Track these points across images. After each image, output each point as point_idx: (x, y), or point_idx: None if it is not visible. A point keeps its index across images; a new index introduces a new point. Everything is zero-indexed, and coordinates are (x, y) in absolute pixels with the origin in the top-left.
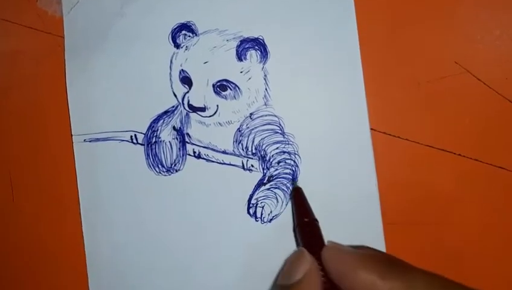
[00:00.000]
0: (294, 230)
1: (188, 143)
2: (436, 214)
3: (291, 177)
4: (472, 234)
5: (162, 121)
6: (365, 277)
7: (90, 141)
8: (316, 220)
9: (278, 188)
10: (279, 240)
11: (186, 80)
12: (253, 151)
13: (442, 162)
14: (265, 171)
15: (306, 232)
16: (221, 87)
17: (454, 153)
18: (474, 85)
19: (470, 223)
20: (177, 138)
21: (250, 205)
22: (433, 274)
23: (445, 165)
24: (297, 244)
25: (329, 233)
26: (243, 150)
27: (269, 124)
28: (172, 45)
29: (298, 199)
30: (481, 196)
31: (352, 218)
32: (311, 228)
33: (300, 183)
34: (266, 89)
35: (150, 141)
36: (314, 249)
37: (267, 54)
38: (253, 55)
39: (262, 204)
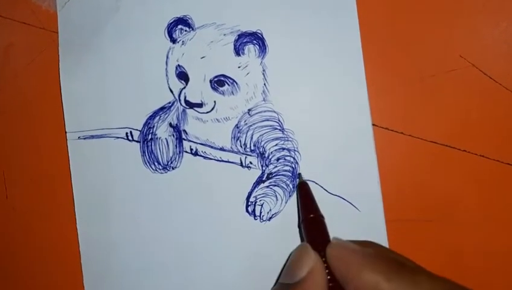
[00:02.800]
0: (299, 226)
1: (185, 140)
2: (440, 211)
3: (290, 174)
4: (476, 232)
5: (158, 117)
6: (370, 277)
7: (84, 138)
8: (322, 216)
9: (278, 185)
10: (279, 238)
11: (183, 76)
12: (252, 148)
13: (446, 158)
14: (264, 168)
15: (311, 229)
16: (218, 82)
17: (459, 149)
18: (480, 79)
19: (474, 221)
20: (173, 135)
21: (249, 203)
22: (440, 278)
23: (449, 162)
24: (302, 241)
25: (331, 230)
26: (241, 146)
27: (268, 120)
28: (169, 39)
29: (304, 194)
30: (487, 193)
31: (354, 215)
32: (316, 224)
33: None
34: (265, 84)
35: (146, 138)
36: (319, 246)
37: (265, 49)
38: (251, 49)
39: (262, 202)
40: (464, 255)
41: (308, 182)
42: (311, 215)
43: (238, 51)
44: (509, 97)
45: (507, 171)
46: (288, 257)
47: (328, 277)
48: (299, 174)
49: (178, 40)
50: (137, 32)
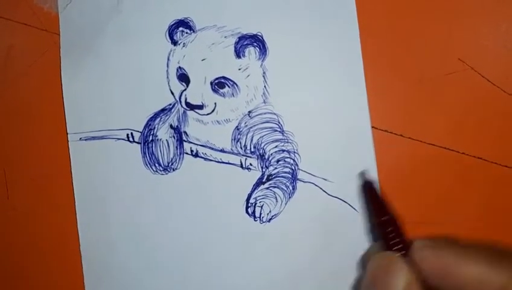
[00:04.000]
0: (371, 229)
1: (186, 141)
2: (439, 213)
3: (290, 176)
4: (475, 234)
5: (158, 119)
6: (473, 270)
7: (85, 140)
8: (395, 217)
9: (277, 187)
10: (279, 240)
11: (184, 78)
12: (252, 149)
13: (445, 160)
14: (264, 170)
15: (386, 232)
16: (219, 84)
17: (458, 152)
18: (478, 82)
19: (473, 223)
20: (174, 136)
21: (249, 205)
22: None
23: (448, 164)
24: (375, 241)
25: (330, 232)
26: (241, 148)
27: (268, 122)
28: (170, 41)
29: (374, 195)
30: (485, 195)
31: (354, 216)
32: (391, 226)
33: (299, 181)
34: (265, 86)
35: (147, 140)
36: (399, 250)
37: (266, 51)
38: (251, 52)
39: (261, 203)
40: None
41: (307, 183)
42: (384, 218)
43: (238, 53)
44: (507, 100)
45: (505, 173)
46: (363, 263)
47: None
48: (363, 172)
49: (179, 42)
50: (139, 34)
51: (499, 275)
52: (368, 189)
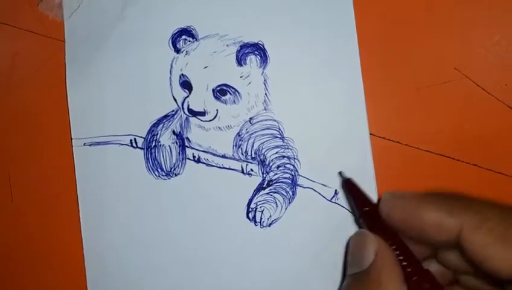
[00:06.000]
0: (357, 222)
1: (188, 147)
2: None
3: (290, 181)
4: None
5: (161, 125)
6: (432, 215)
7: (89, 145)
8: (376, 205)
9: (278, 192)
10: (279, 244)
11: (186, 85)
12: (253, 155)
13: (441, 167)
14: (264, 175)
15: (369, 221)
16: (221, 91)
17: (454, 159)
18: (473, 90)
19: None
20: (176, 142)
21: (250, 210)
22: (504, 205)
23: (444, 171)
24: None
25: (329, 237)
26: (242, 154)
27: (269, 128)
28: (173, 49)
29: (353, 190)
30: None
31: (352, 222)
32: (373, 215)
33: (299, 187)
34: (266, 94)
35: (150, 145)
36: (379, 233)
37: (267, 59)
38: (253, 60)
39: (262, 208)
40: None
41: (306, 189)
42: (366, 209)
43: (240, 61)
44: (501, 108)
45: (500, 180)
46: (346, 249)
47: (397, 252)
48: (340, 172)
49: (182, 50)
50: (142, 41)
51: (454, 218)
52: (348, 186)
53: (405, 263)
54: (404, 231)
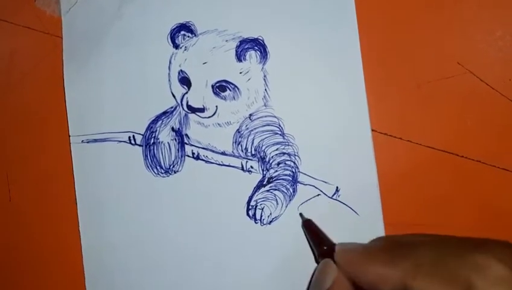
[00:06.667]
0: (316, 261)
1: (187, 144)
2: (438, 215)
3: (291, 178)
4: (474, 236)
5: (160, 121)
6: (376, 269)
7: (88, 142)
8: (334, 244)
9: (278, 189)
10: (279, 242)
11: (185, 81)
12: (253, 152)
13: (444, 163)
14: (264, 172)
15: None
16: (220, 88)
17: (457, 155)
18: (477, 86)
19: (472, 226)
20: (175, 139)
21: (250, 207)
22: (438, 244)
23: (447, 167)
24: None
25: (331, 235)
26: (242, 151)
27: (269, 125)
28: (171, 45)
29: (313, 231)
30: (484, 198)
31: (354, 219)
32: (331, 254)
33: (300, 184)
34: (266, 89)
35: (149, 142)
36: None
37: (266, 55)
38: (252, 55)
39: (262, 206)
40: None
41: (307, 186)
42: (325, 248)
43: (239, 57)
44: (504, 103)
45: (503, 176)
46: (313, 274)
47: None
48: (301, 214)
49: (180, 46)
50: (141, 37)
51: (396, 270)
52: (306, 226)
53: None
54: (357, 282)
